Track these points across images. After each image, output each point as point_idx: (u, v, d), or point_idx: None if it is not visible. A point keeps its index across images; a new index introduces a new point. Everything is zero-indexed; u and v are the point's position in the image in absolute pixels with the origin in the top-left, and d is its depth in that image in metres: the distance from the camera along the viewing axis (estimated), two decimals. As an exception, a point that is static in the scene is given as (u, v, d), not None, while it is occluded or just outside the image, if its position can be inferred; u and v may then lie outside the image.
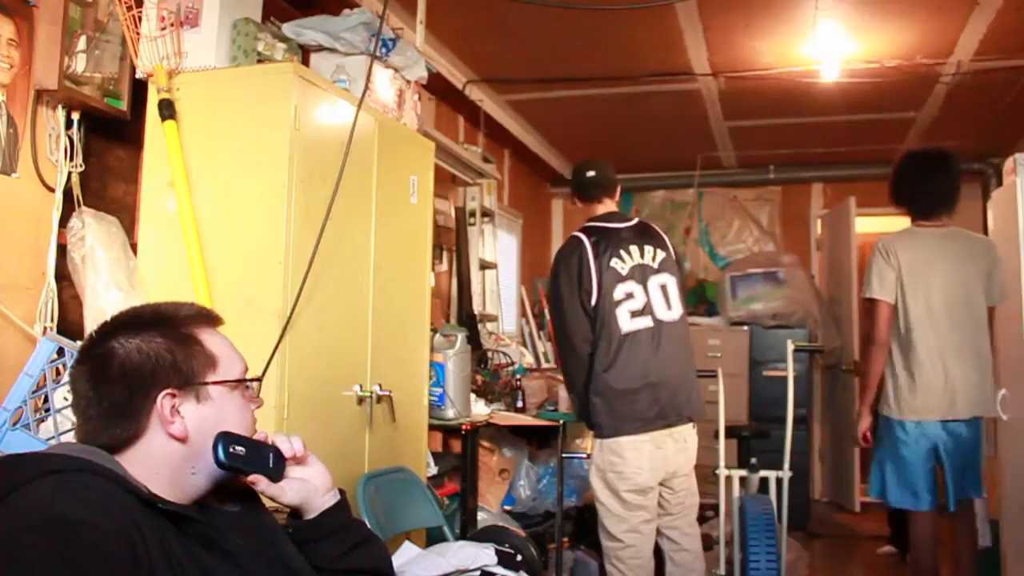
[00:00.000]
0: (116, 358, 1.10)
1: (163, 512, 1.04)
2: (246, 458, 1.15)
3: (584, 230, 2.85)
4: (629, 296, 2.74)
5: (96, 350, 1.12)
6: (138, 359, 1.10)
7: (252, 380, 1.21)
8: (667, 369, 2.75)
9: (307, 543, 1.27)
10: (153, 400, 1.09)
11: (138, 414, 1.09)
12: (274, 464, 1.21)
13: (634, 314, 2.74)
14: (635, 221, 2.93)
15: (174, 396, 1.11)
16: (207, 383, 1.14)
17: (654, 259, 2.83)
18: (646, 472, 2.69)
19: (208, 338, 1.17)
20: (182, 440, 1.11)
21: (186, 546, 1.05)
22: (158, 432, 1.10)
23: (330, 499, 1.28)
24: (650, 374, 2.71)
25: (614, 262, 2.76)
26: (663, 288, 2.81)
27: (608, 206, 2.96)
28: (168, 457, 1.10)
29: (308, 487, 1.26)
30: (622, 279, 2.75)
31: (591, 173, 2.97)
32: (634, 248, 2.81)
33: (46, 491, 0.95)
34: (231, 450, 1.12)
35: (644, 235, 2.88)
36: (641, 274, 2.79)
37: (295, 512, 1.28)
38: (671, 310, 2.81)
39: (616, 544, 2.74)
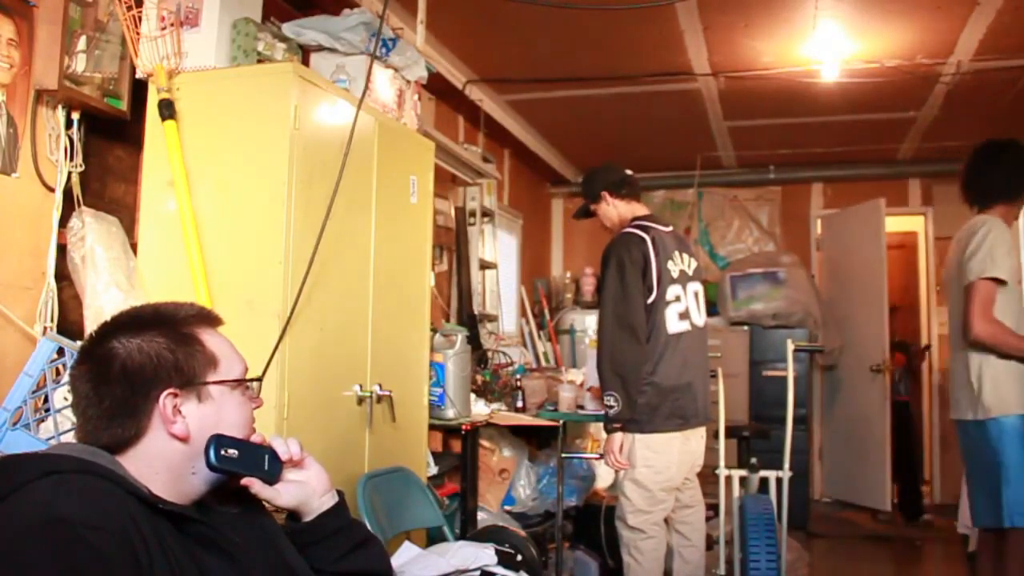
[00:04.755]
0: (117, 358, 1.10)
1: (163, 513, 1.04)
2: (239, 460, 1.14)
3: (641, 228, 2.89)
4: (676, 299, 2.86)
5: (96, 350, 1.12)
6: (139, 359, 1.10)
7: (252, 380, 1.21)
8: (699, 372, 2.92)
9: (306, 545, 1.26)
10: (155, 400, 1.09)
11: (139, 414, 1.09)
12: (269, 466, 1.21)
13: (680, 316, 2.86)
14: (671, 228, 3.02)
15: (176, 396, 1.11)
16: (208, 383, 1.14)
17: (689, 267, 2.96)
18: (675, 468, 2.84)
19: (208, 338, 1.17)
20: (184, 440, 1.11)
21: (186, 547, 1.05)
22: (160, 432, 1.10)
23: (328, 501, 1.28)
24: (688, 376, 2.85)
25: (669, 264, 2.86)
26: (696, 295, 2.96)
27: (644, 208, 3.06)
28: (169, 457, 1.10)
29: (305, 489, 1.26)
30: (673, 281, 2.86)
31: (629, 172, 3.08)
32: (677, 254, 2.92)
33: (46, 492, 0.95)
34: (223, 452, 1.12)
35: (682, 243, 3.01)
36: (683, 280, 2.90)
37: (293, 514, 1.27)
38: (701, 317, 2.96)
39: (638, 535, 2.83)
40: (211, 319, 1.20)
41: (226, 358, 1.17)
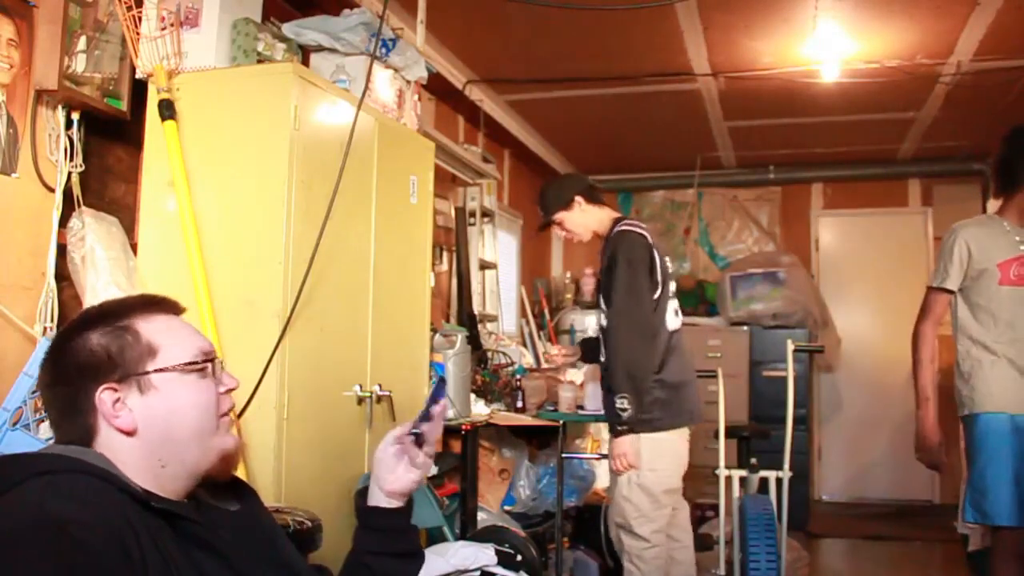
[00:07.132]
0: (64, 357, 1.10)
1: (157, 511, 1.04)
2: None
3: (635, 225, 2.87)
4: (673, 296, 2.88)
5: (53, 352, 1.12)
6: (81, 358, 1.09)
7: (204, 362, 1.14)
8: (693, 370, 2.94)
9: (361, 525, 1.31)
10: (94, 397, 1.08)
11: (85, 411, 1.08)
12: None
13: (675, 313, 2.87)
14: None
15: (115, 390, 1.08)
16: (147, 372, 1.10)
17: (669, 267, 2.96)
18: (678, 471, 2.83)
19: (146, 326, 1.12)
20: (130, 433, 1.08)
21: (180, 545, 1.04)
22: (108, 428, 1.08)
23: (396, 500, 1.32)
24: (689, 373, 2.87)
25: (666, 260, 2.88)
26: (676, 294, 2.96)
27: (613, 211, 3.02)
28: (128, 452, 1.08)
29: (411, 484, 1.34)
30: (668, 279, 2.86)
31: (592, 178, 3.04)
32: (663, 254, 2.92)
33: (37, 492, 0.95)
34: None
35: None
36: (671, 277, 2.91)
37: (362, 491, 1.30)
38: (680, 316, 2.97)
39: (642, 544, 2.78)
40: (156, 304, 1.16)
41: (168, 345, 1.12)
